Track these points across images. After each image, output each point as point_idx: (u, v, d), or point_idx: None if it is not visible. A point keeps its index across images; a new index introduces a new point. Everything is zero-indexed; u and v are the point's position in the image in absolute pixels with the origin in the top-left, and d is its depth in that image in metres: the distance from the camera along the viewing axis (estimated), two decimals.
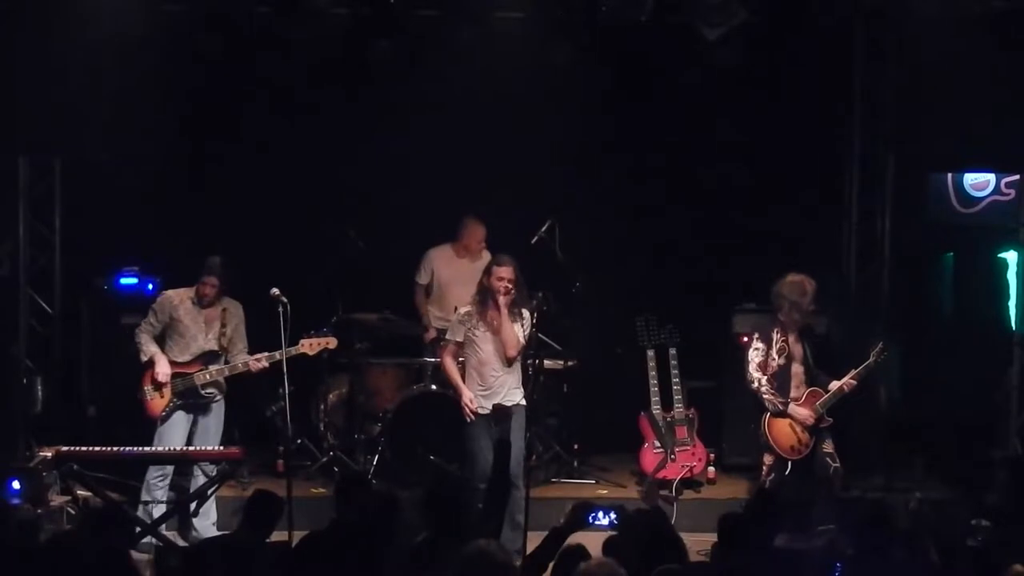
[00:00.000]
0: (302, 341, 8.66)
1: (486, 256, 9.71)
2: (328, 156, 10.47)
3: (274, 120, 10.22)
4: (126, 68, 9.34)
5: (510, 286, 8.38)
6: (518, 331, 8.45)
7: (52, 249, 10.05)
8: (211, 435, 8.78)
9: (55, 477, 8.74)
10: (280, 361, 8.36)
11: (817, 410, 8.60)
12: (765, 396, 8.62)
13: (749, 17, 9.37)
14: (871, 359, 8.65)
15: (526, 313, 8.53)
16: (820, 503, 8.67)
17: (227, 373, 8.75)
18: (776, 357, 8.62)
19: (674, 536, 6.06)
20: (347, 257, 9.87)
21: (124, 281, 9.55)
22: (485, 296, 8.51)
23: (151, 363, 8.68)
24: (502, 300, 8.37)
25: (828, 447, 8.65)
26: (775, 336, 8.64)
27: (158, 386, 8.66)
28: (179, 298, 8.80)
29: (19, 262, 9.90)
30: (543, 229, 9.77)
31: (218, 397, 8.84)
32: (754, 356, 8.66)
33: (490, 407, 8.38)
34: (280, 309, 8.31)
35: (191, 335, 8.75)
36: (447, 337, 8.88)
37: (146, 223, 9.89)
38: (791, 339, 8.66)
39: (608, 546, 5.90)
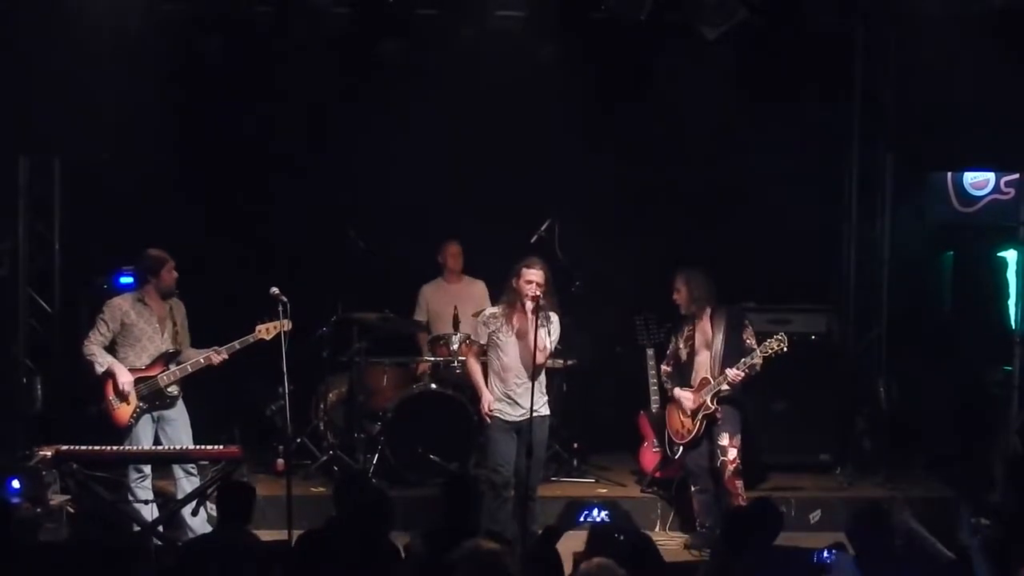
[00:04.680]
0: (257, 327, 8.49)
1: (468, 279, 10.09)
2: (328, 156, 10.48)
3: (273, 120, 10.21)
4: (126, 68, 9.34)
5: (538, 291, 8.13)
6: (545, 337, 8.14)
7: (52, 249, 10.07)
8: (181, 432, 8.64)
9: (55, 476, 8.73)
10: (282, 363, 8.17)
11: (700, 397, 8.68)
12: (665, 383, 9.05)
13: (749, 17, 9.39)
14: (760, 349, 8.56)
15: (555, 317, 8.29)
16: (706, 495, 8.84)
17: (189, 370, 8.60)
18: (682, 347, 8.87)
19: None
20: (347, 257, 9.87)
21: (124, 281, 9.50)
22: (512, 298, 8.30)
23: (108, 374, 8.48)
24: (529, 304, 8.16)
25: (723, 440, 8.71)
26: (685, 328, 8.87)
27: (122, 395, 8.48)
28: (127, 304, 8.63)
29: (19, 262, 9.91)
30: (543, 228, 9.77)
31: (180, 395, 8.71)
32: (670, 348, 9.02)
33: (515, 416, 8.27)
34: (280, 308, 8.30)
35: (147, 337, 8.58)
36: (472, 337, 8.84)
37: (146, 223, 9.88)
38: (699, 330, 8.78)
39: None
